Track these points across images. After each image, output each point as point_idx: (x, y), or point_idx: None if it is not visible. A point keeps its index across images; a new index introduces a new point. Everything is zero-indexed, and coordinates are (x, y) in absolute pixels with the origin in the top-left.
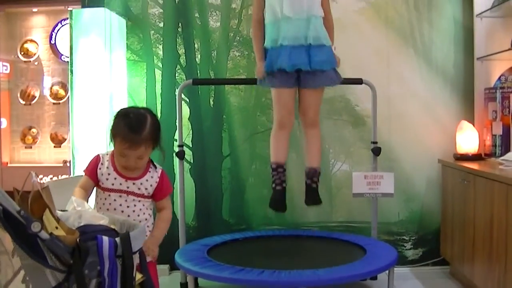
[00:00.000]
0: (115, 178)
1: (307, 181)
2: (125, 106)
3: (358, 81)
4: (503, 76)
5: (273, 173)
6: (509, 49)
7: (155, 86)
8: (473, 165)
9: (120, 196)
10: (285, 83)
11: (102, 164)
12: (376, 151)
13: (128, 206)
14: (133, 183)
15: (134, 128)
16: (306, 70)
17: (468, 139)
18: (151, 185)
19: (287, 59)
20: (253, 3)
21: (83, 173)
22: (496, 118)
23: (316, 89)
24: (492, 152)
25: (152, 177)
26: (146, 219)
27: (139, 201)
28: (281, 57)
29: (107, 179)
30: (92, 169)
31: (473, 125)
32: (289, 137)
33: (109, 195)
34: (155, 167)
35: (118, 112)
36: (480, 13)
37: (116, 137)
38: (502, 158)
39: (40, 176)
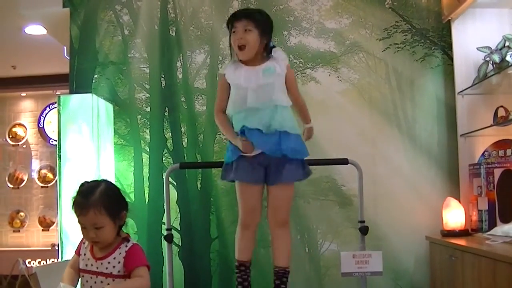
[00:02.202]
0: (88, 259)
1: (275, 281)
2: None
3: (344, 161)
4: (487, 151)
5: (236, 272)
6: (491, 125)
7: (143, 170)
8: (461, 241)
9: (91, 277)
10: (250, 177)
11: (83, 243)
12: (364, 230)
13: None
14: (101, 263)
15: (83, 193)
16: (275, 158)
17: (454, 215)
18: (119, 262)
19: (256, 141)
20: (217, 94)
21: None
22: (482, 194)
23: (286, 185)
24: (478, 227)
25: (120, 253)
26: None
27: (108, 283)
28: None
29: (83, 259)
30: (78, 249)
31: (459, 201)
32: (255, 235)
33: (83, 276)
34: (128, 243)
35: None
36: (461, 91)
37: (74, 211)
38: (488, 233)
39: (28, 260)
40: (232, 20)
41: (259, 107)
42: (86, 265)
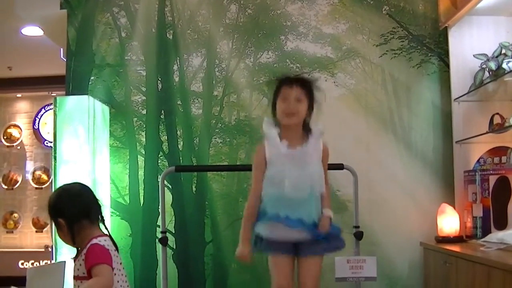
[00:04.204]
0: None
1: None
2: (108, 192)
3: (339, 167)
4: (482, 158)
5: None
6: (487, 132)
7: (138, 172)
8: (455, 248)
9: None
10: (281, 249)
11: None
12: (358, 236)
13: None
14: (75, 265)
15: None
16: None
17: (449, 221)
18: (80, 265)
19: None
20: (251, 188)
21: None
22: (476, 200)
23: (315, 257)
24: (473, 234)
25: (82, 255)
26: None
27: (78, 286)
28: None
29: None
30: None
31: (454, 207)
32: None
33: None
34: (88, 245)
35: None
36: (457, 98)
37: None
38: (483, 239)
39: (21, 261)
40: (284, 84)
41: (296, 197)
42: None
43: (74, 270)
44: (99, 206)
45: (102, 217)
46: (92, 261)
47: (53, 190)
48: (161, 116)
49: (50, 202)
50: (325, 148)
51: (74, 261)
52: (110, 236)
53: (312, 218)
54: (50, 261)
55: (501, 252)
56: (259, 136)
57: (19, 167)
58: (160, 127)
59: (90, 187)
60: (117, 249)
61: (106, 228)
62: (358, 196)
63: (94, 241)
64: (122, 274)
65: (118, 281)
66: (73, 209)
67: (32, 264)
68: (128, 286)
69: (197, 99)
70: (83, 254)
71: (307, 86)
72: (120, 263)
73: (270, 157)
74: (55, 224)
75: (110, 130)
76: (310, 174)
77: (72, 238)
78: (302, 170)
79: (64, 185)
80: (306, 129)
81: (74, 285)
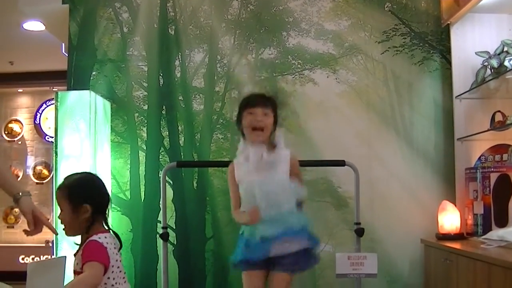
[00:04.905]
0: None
1: None
2: (109, 187)
3: (341, 163)
4: (483, 156)
5: None
6: (488, 130)
7: (139, 168)
8: (456, 245)
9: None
10: (254, 264)
11: None
12: (359, 232)
13: None
14: (74, 260)
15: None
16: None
17: (450, 219)
18: (79, 259)
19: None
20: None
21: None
22: (477, 198)
23: (284, 274)
24: (474, 231)
25: (81, 250)
26: None
27: None
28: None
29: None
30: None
31: (455, 205)
32: None
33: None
34: (87, 241)
35: None
36: (459, 95)
37: None
38: (484, 237)
39: (22, 256)
40: (249, 104)
41: (273, 216)
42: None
43: (74, 265)
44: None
45: (108, 213)
46: (86, 257)
47: (54, 185)
48: (162, 112)
49: (79, 185)
50: (292, 157)
51: (75, 256)
52: (113, 231)
53: (291, 233)
54: (51, 256)
55: (501, 250)
56: None
57: (20, 162)
58: (161, 122)
59: None
60: (120, 244)
61: (107, 224)
62: (359, 193)
63: (94, 237)
64: (120, 271)
65: (114, 278)
66: (100, 199)
67: (33, 259)
68: (125, 282)
69: (199, 95)
70: (81, 250)
71: (271, 102)
72: (119, 260)
73: (240, 174)
74: (73, 208)
75: (111, 125)
76: (280, 187)
77: (87, 226)
78: (271, 183)
79: (87, 172)
80: (272, 143)
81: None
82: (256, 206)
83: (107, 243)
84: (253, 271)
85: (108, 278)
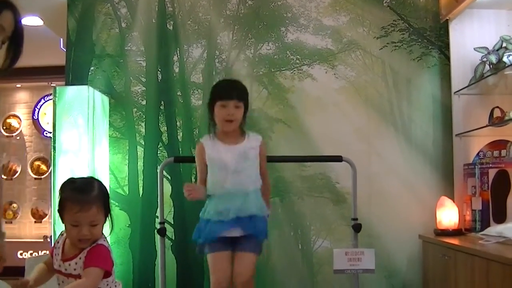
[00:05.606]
0: (57, 260)
1: None
2: (107, 183)
3: (338, 159)
4: (482, 152)
5: None
6: (486, 126)
7: (137, 163)
8: (454, 241)
9: (63, 281)
10: (219, 246)
11: (57, 242)
12: (357, 228)
13: None
14: (69, 264)
15: (82, 189)
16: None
17: (448, 214)
18: (76, 263)
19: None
20: (197, 165)
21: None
22: (476, 194)
23: (248, 254)
24: (472, 227)
25: (84, 253)
26: None
27: (63, 281)
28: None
29: (56, 260)
30: (51, 250)
31: (453, 200)
32: None
33: (58, 276)
34: (95, 243)
35: (63, 184)
36: (457, 91)
37: (64, 208)
38: (482, 233)
39: (20, 251)
40: (223, 97)
41: (235, 193)
42: (59, 265)
43: (67, 269)
44: None
45: None
46: (92, 262)
47: (52, 180)
48: (160, 107)
49: (107, 192)
50: (261, 143)
51: (68, 260)
52: None
53: (249, 212)
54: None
55: (499, 246)
56: (258, 128)
57: (18, 157)
58: (159, 117)
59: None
60: None
61: None
62: (357, 188)
63: (101, 241)
64: (113, 274)
65: (112, 281)
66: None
67: (31, 254)
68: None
69: (197, 90)
70: (86, 252)
71: (243, 93)
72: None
73: (210, 154)
74: (105, 216)
75: (109, 121)
76: (247, 170)
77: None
78: (239, 167)
79: (90, 177)
80: (242, 129)
81: (63, 281)
82: (202, 187)
83: (109, 245)
84: (219, 252)
85: (106, 281)
